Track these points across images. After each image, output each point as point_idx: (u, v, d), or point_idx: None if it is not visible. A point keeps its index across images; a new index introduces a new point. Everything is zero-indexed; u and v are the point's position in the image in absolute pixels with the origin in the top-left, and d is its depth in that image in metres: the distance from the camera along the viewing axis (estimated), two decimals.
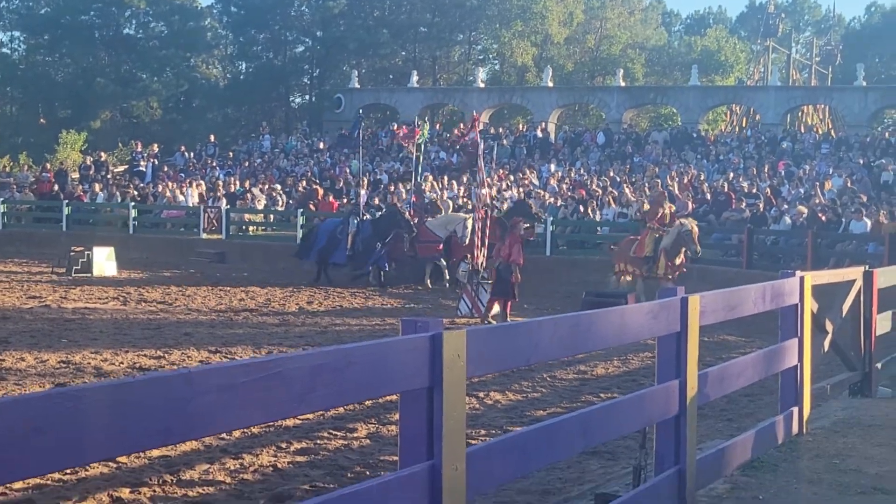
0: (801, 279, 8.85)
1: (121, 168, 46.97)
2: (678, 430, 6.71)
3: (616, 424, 6.23)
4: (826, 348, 10.11)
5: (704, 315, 7.05)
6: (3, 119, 65.79)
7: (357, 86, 56.43)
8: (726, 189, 32.22)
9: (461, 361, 4.60)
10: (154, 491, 8.67)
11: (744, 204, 29.36)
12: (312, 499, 4.04)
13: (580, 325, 5.86)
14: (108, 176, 43.31)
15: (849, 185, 32.12)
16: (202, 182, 39.90)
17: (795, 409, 8.86)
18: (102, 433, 3.25)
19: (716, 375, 7.42)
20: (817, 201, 28.65)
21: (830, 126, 51.66)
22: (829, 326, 10.06)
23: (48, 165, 44.82)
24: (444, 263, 26.72)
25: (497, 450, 5.08)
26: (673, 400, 6.64)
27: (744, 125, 52.83)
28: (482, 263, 22.73)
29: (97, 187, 39.76)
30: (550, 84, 53.04)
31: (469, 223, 25.46)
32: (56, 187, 40.14)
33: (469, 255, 23.70)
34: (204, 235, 34.87)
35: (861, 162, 37.25)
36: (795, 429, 8.86)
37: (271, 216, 36.90)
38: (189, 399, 3.49)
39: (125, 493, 8.49)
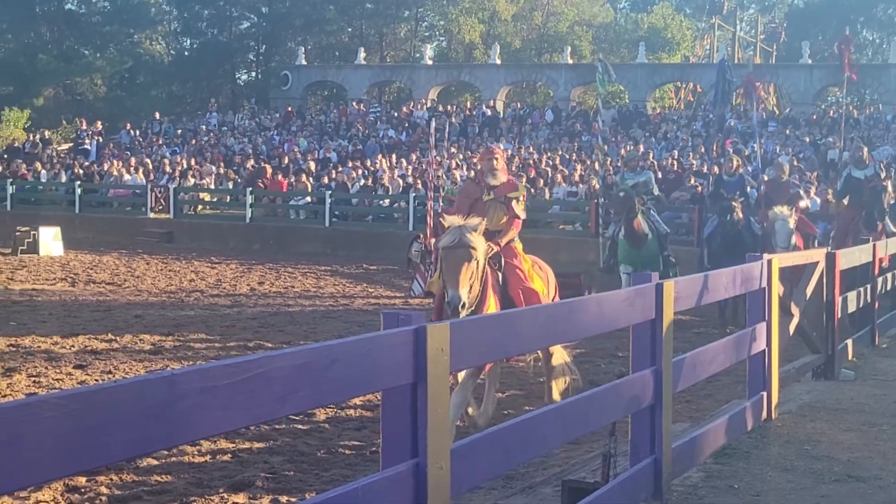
0: (769, 262, 8.78)
1: (65, 146, 46.27)
2: (654, 419, 6.62)
3: (594, 416, 6.12)
4: (792, 332, 10.07)
5: (678, 301, 6.96)
6: None
7: (304, 63, 55.92)
8: (675, 167, 32.25)
9: (445, 356, 4.45)
10: (111, 479, 8.47)
11: (693, 181, 29.39)
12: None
13: (559, 315, 5.75)
14: (53, 154, 42.62)
15: (795, 163, 32.25)
16: (148, 160, 39.36)
17: (764, 395, 8.81)
18: (81, 444, 3.06)
19: (689, 362, 7.33)
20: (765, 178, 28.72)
21: (775, 103, 51.93)
22: (794, 310, 10.01)
23: None
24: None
25: (479, 446, 4.94)
26: (648, 389, 6.54)
27: (690, 100, 52.96)
28: (434, 243, 22.57)
29: (39, 166, 39.14)
30: (498, 61, 52.84)
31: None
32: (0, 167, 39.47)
33: (421, 235, 23.53)
34: (151, 215, 34.42)
35: (808, 140, 37.45)
36: (764, 414, 8.81)
37: (220, 196, 36.49)
38: (169, 403, 3.31)
39: (81, 481, 8.28)
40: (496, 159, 10.34)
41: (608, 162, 31.85)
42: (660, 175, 31.95)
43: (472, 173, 10.66)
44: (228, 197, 36.01)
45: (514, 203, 10.09)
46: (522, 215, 10.29)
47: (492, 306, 9.25)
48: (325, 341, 4.30)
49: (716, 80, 26.43)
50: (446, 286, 8.83)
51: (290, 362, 3.80)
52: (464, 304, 8.59)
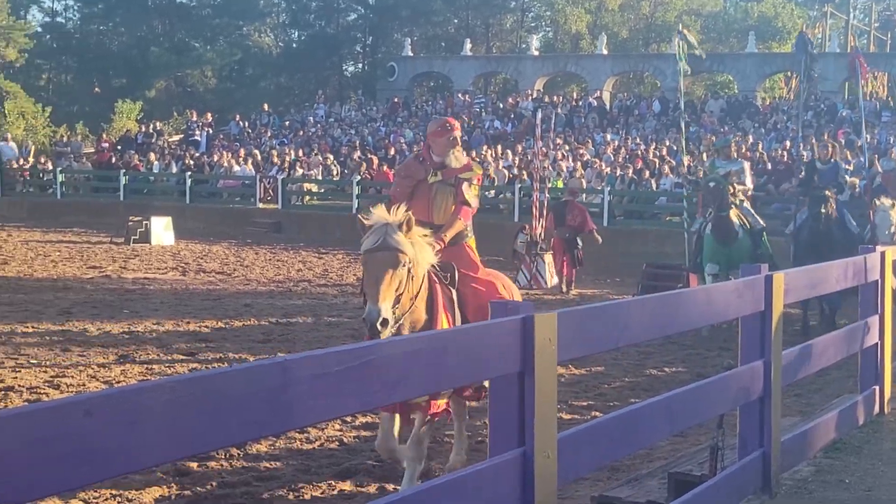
0: (882, 255, 8.63)
1: (176, 137, 47.09)
2: (762, 412, 6.55)
3: (702, 408, 6.08)
4: None
5: (788, 293, 6.87)
6: (60, 89, 66.18)
7: (410, 54, 56.16)
8: (785, 158, 31.75)
9: (553, 345, 4.46)
10: (221, 465, 8.62)
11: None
12: (407, 490, 3.93)
13: (668, 305, 5.72)
14: (164, 145, 43.44)
15: None
16: (257, 151, 39.91)
17: (877, 389, 8.66)
18: (199, 425, 3.14)
19: (799, 355, 7.25)
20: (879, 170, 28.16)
21: (887, 93, 50.81)
22: None
23: (104, 136, 45.05)
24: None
25: (585, 436, 4.95)
26: (757, 381, 6.47)
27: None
28: (540, 234, 22.54)
29: (152, 157, 39.91)
30: (605, 52, 52.50)
31: None
32: (114, 158, 40.32)
33: (526, 226, 23.51)
34: (260, 205, 34.89)
35: None
36: (877, 409, 8.66)
37: (327, 187, 36.83)
38: (283, 389, 3.38)
39: (193, 466, 8.45)
40: (457, 136, 8.20)
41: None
42: (769, 166, 31.53)
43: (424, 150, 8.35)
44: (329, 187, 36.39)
45: (465, 186, 7.98)
46: (474, 203, 8.10)
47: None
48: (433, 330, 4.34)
49: (798, 56, 25.27)
50: (366, 299, 7.00)
51: (400, 349, 3.85)
52: (385, 321, 6.66)
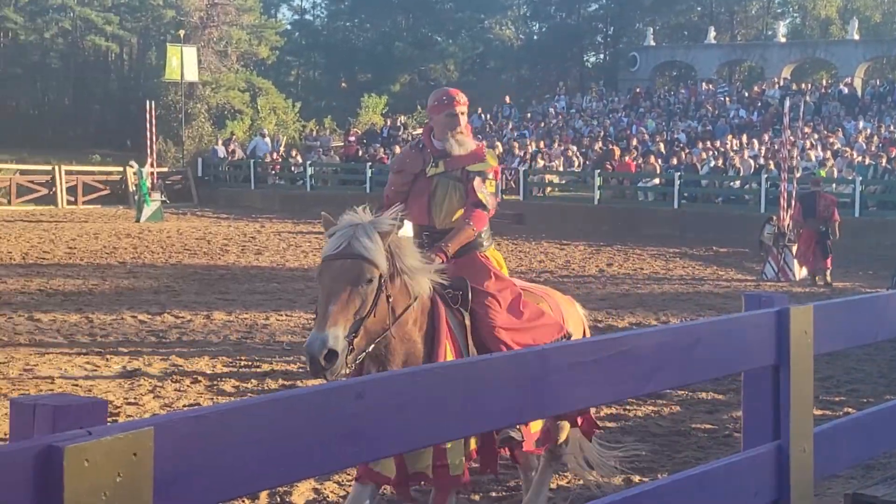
0: None
1: (419, 130, 47.94)
2: None
3: None
4: None
5: None
6: (308, 84, 68.53)
7: (652, 43, 55.66)
8: None
9: (808, 338, 4.41)
10: None
11: None
12: (663, 479, 3.96)
13: None
14: (409, 138, 44.36)
15: None
16: (499, 143, 40.31)
17: None
18: (460, 410, 3.25)
19: None
20: None
21: None
22: None
23: (352, 129, 46.36)
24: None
25: (843, 431, 4.87)
26: None
27: None
28: (788, 225, 22.02)
29: (398, 149, 40.78)
30: (856, 37, 50.72)
31: None
32: (360, 151, 41.46)
33: (773, 217, 22.98)
34: (503, 197, 35.23)
35: None
36: None
37: (569, 178, 36.90)
38: (541, 377, 3.46)
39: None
40: (459, 112, 6.33)
41: None
42: None
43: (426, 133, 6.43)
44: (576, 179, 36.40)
45: (477, 182, 6.20)
46: (491, 203, 6.20)
47: None
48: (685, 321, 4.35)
49: None
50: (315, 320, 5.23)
51: (654, 341, 3.89)
52: (331, 354, 4.90)
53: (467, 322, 5.75)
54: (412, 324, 5.45)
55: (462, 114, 6.33)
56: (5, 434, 7.95)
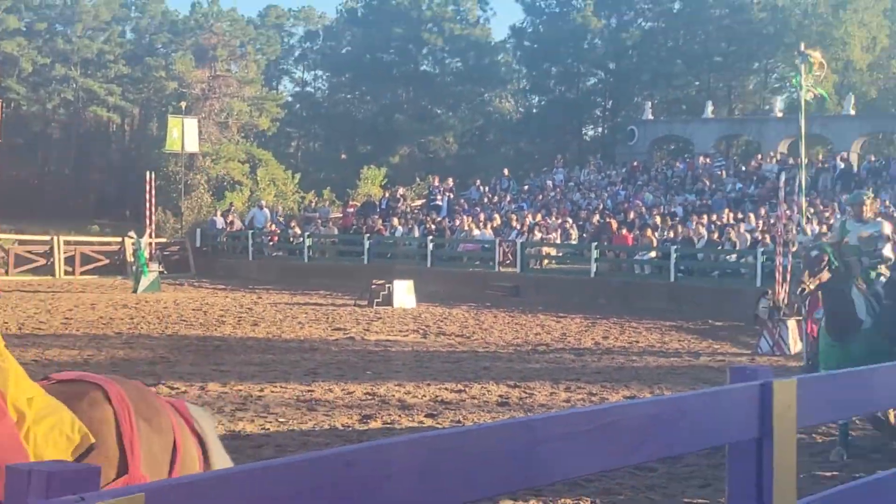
0: None
1: (418, 202, 48.25)
2: None
3: None
4: None
5: None
6: (308, 155, 69.01)
7: (650, 117, 56.10)
8: None
9: (792, 411, 4.47)
10: None
11: None
12: None
13: None
14: (407, 210, 44.61)
15: None
16: (497, 216, 40.53)
17: None
18: (450, 481, 3.30)
19: None
20: None
21: None
22: None
23: (351, 201, 46.61)
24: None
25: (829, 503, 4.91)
26: None
27: None
28: (783, 299, 22.10)
29: (396, 221, 40.99)
30: (853, 112, 51.15)
31: None
32: (356, 222, 41.67)
33: (769, 291, 23.07)
34: (499, 269, 35.35)
35: None
36: None
37: (566, 251, 37.05)
38: (529, 448, 3.51)
39: None
40: None
41: None
42: None
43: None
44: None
45: None
46: None
47: None
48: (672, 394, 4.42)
49: None
50: None
51: (642, 412, 3.95)
52: None
53: None
54: None
55: None
56: None
